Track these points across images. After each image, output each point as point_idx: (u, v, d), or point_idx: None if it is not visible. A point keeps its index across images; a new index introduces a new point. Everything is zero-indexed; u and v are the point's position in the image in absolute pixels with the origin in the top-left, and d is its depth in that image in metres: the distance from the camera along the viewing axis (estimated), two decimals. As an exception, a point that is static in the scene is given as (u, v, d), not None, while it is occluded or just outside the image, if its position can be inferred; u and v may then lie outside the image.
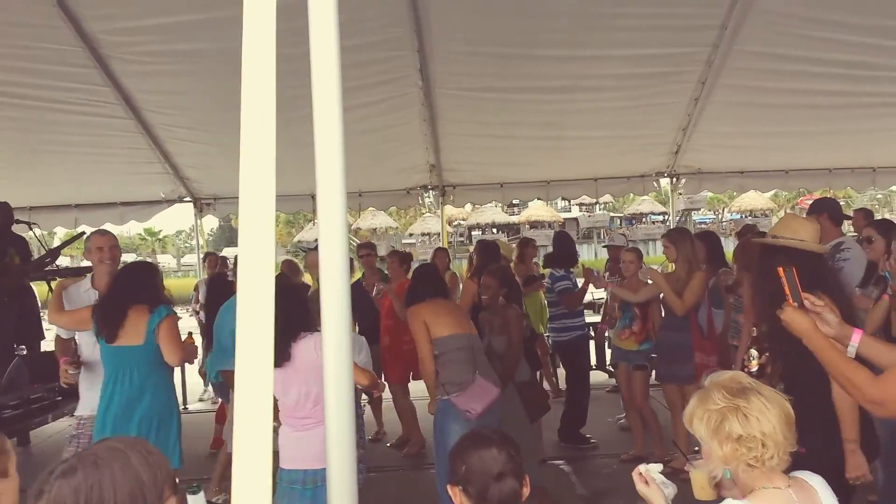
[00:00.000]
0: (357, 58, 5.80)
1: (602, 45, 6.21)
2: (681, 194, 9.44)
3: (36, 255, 7.36)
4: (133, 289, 3.85)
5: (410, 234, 36.06)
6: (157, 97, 6.87)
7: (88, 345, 4.07)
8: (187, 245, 50.06)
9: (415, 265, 6.23)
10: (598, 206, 39.44)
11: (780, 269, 2.35)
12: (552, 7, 5.68)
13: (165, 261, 42.78)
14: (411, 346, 4.78)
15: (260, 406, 1.03)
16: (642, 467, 2.07)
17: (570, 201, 41.05)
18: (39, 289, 8.28)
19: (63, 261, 8.91)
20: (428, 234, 40.01)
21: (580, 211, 44.11)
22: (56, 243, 8.68)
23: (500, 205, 28.76)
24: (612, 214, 42.59)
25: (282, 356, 3.30)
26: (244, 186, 1.16)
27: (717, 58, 6.32)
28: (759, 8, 5.65)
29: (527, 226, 43.97)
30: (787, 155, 8.44)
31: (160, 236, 48.10)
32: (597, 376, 8.26)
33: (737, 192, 11.91)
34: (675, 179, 8.89)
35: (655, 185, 9.18)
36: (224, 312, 4.87)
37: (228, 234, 46.98)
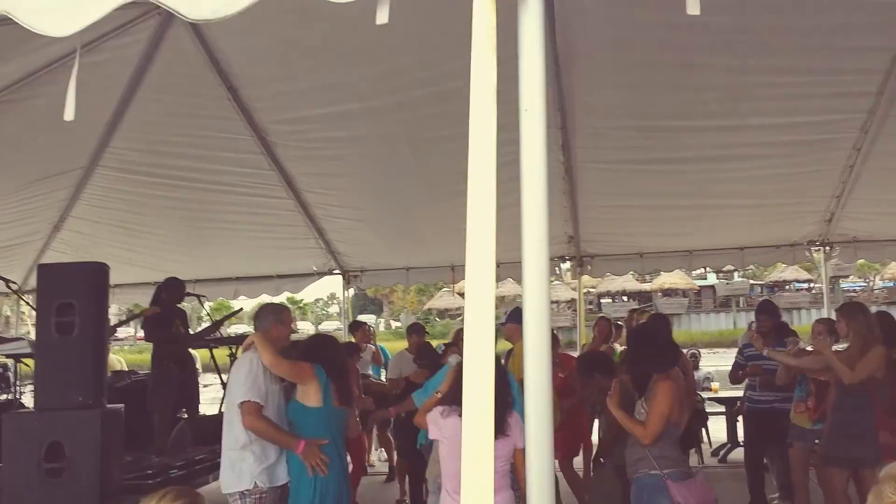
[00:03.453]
0: (505, 136, 6.02)
1: (749, 115, 6.12)
2: (836, 263, 9.01)
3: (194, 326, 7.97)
4: None
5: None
6: (314, 179, 7.38)
7: (273, 407, 4.07)
8: (324, 312, 52.10)
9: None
10: (736, 272, 37.90)
11: None
12: (700, 80, 5.70)
13: (305, 327, 44.60)
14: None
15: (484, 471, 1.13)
16: None
17: (706, 268, 39.70)
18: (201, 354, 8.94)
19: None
20: (556, 301, 39.65)
21: (717, 278, 42.49)
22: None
23: (632, 272, 28.18)
24: (752, 282, 40.79)
25: (500, 428, 3.34)
26: (471, 261, 1.31)
27: (874, 124, 6.09)
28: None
29: (659, 293, 42.76)
30: (953, 220, 7.91)
31: (301, 304, 50.33)
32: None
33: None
34: (828, 248, 8.50)
35: (807, 254, 8.80)
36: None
37: (363, 302, 48.59)
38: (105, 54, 5.22)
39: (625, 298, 42.90)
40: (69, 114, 2.21)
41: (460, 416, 3.48)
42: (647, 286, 41.94)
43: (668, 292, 42.28)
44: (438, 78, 5.53)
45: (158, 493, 2.20)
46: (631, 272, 11.00)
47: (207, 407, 9.41)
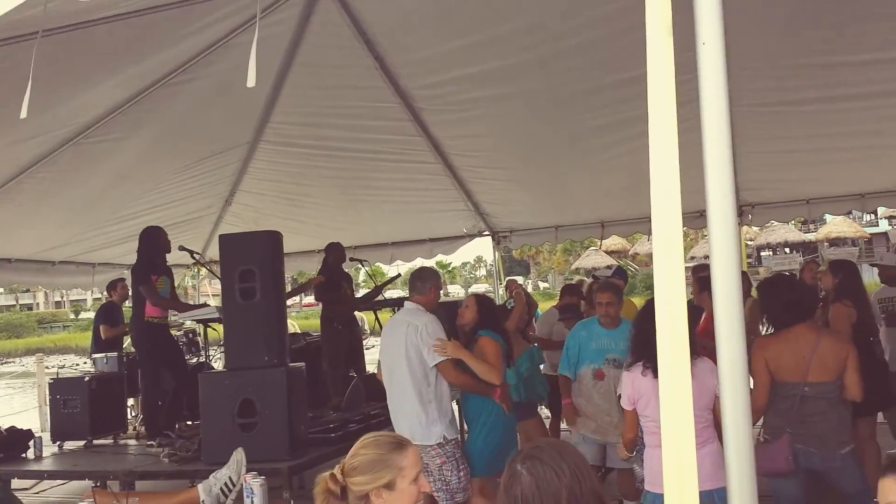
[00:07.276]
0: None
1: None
2: None
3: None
4: None
5: (692, 258, 34.52)
6: (460, 141, 7.49)
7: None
8: (472, 275, 52.91)
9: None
10: (913, 217, 34.72)
11: None
12: (863, 11, 5.25)
13: (455, 290, 45.51)
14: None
15: (683, 420, 1.17)
16: None
17: (876, 214, 36.55)
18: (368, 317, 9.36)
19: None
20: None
21: (889, 224, 39.11)
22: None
23: (793, 222, 26.35)
24: (931, 226, 37.25)
25: None
26: (657, 213, 1.33)
27: None
28: None
29: (825, 243, 39.91)
30: None
31: (450, 268, 51.28)
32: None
33: None
34: None
35: None
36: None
37: (509, 264, 48.88)
38: (260, 32, 5.50)
39: (787, 250, 40.45)
40: (251, 80, 2.38)
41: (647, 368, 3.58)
42: (811, 236, 39.29)
43: (836, 241, 39.36)
44: (579, 28, 5.44)
45: (373, 433, 2.31)
46: (794, 221, 10.43)
47: (371, 366, 9.90)
